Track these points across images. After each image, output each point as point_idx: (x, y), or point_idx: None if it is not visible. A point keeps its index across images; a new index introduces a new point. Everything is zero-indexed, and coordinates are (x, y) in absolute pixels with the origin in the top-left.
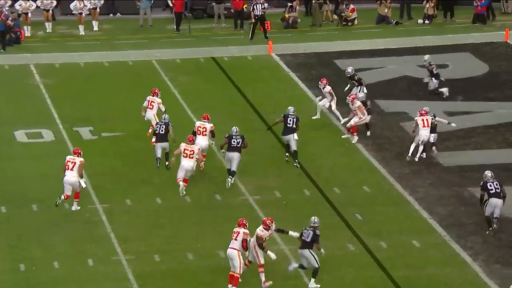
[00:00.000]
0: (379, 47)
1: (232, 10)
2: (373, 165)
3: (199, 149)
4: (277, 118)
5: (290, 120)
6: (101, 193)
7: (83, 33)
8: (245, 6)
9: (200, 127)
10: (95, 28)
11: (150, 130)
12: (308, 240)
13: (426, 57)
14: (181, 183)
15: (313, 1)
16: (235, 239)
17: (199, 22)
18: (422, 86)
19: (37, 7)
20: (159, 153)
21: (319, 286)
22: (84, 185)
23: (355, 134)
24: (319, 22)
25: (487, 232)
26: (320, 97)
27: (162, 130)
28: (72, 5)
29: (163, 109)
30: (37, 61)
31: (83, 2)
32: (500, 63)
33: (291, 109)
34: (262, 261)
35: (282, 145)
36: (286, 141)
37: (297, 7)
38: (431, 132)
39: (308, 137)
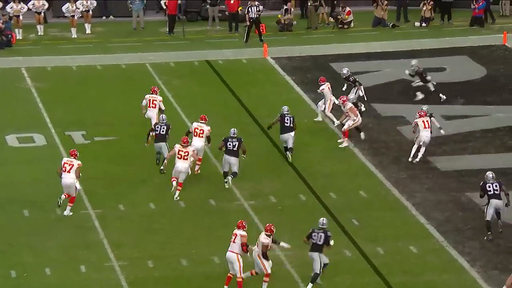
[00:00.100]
0: (375, 50)
1: (226, 13)
2: (369, 170)
3: (193, 150)
4: (274, 119)
5: (287, 119)
6: (93, 198)
7: (76, 36)
8: (240, 8)
9: (197, 129)
10: (88, 31)
11: (150, 138)
12: (320, 242)
13: (414, 61)
14: (174, 183)
15: (309, 4)
16: (234, 242)
17: (193, 25)
18: (419, 90)
19: (29, 9)
20: (157, 149)
21: None
22: (79, 187)
23: (346, 138)
24: (314, 24)
25: (485, 238)
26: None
27: (163, 130)
28: (64, 8)
29: (163, 107)
30: (29, 64)
31: (76, 5)
32: (498, 66)
33: (285, 108)
34: (269, 270)
35: (277, 149)
36: (285, 139)
37: (292, 9)
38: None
39: (304, 142)
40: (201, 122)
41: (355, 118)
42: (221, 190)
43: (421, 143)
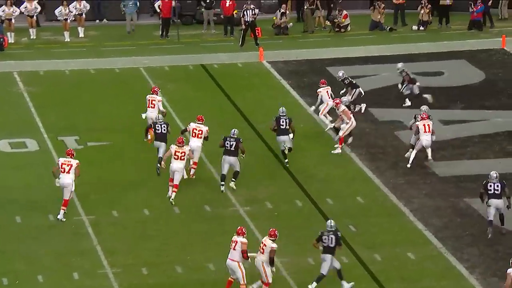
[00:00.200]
0: (372, 54)
1: (222, 16)
2: (367, 175)
3: (189, 150)
4: (271, 124)
5: (283, 122)
6: (87, 205)
7: (69, 40)
8: (235, 12)
9: (196, 129)
10: (81, 35)
11: (149, 137)
12: (332, 245)
13: (399, 65)
14: (170, 188)
15: (305, 7)
16: (234, 249)
17: (188, 29)
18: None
19: (21, 13)
20: (161, 152)
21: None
22: (73, 188)
23: (341, 145)
24: (311, 28)
25: (487, 232)
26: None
27: (164, 129)
28: (57, 11)
29: (161, 108)
30: (21, 68)
31: (68, 8)
32: (496, 70)
33: (281, 110)
34: (270, 280)
35: (273, 153)
36: (282, 141)
37: (287, 12)
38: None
39: (300, 147)
40: (198, 123)
41: (347, 121)
42: (217, 196)
43: (422, 147)
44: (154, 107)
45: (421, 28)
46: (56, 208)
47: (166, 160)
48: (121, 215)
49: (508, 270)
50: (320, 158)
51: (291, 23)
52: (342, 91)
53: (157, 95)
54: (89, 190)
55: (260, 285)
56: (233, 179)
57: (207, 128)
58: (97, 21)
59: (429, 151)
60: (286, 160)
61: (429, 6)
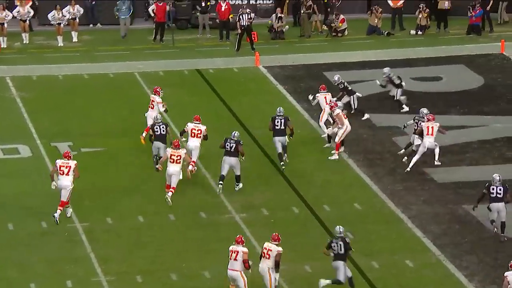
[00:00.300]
0: (370, 58)
1: (217, 21)
2: (364, 182)
3: (185, 153)
4: (269, 124)
5: (277, 122)
6: (80, 211)
7: (62, 44)
8: (231, 16)
9: (195, 129)
10: (74, 39)
11: (144, 134)
12: (342, 251)
13: (386, 69)
14: (166, 200)
15: (302, 11)
16: (235, 259)
17: (183, 33)
18: (415, 99)
19: (14, 17)
20: (156, 152)
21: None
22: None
23: (336, 152)
24: (308, 33)
25: (493, 230)
26: None
27: (163, 130)
28: (50, 15)
29: (161, 109)
30: (14, 73)
31: (62, 12)
32: (495, 75)
33: (278, 109)
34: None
35: (269, 159)
36: (277, 142)
37: (281, 15)
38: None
39: (297, 152)
40: (196, 123)
41: (340, 125)
42: (212, 202)
43: (425, 149)
44: (153, 108)
45: (419, 32)
46: (48, 216)
47: (163, 163)
48: (115, 222)
49: (506, 273)
50: (317, 164)
51: (287, 26)
52: (338, 96)
53: (158, 96)
54: (83, 196)
55: None
56: (236, 183)
57: (205, 127)
58: (91, 25)
59: (436, 152)
60: (282, 163)
61: (427, 10)
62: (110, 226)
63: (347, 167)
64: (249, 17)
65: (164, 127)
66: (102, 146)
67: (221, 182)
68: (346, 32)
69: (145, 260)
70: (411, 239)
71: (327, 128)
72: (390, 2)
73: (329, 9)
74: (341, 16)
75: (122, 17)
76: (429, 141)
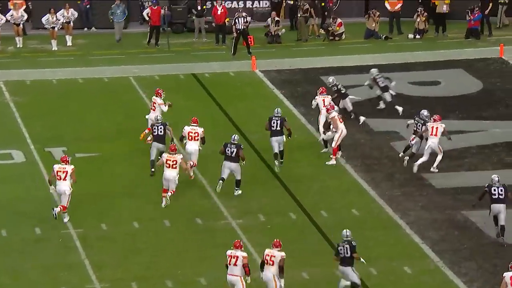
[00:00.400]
0: (368, 63)
1: (213, 24)
2: (362, 187)
3: (182, 158)
4: (266, 124)
5: (274, 123)
6: (75, 217)
7: (56, 48)
8: (227, 20)
9: (192, 132)
10: (69, 43)
11: (146, 131)
12: (348, 255)
13: (372, 70)
14: (164, 200)
15: (299, 15)
16: (235, 265)
17: (178, 37)
18: (413, 104)
19: (7, 21)
20: (153, 155)
21: None
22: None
23: (334, 157)
24: (305, 36)
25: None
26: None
27: (160, 131)
28: (44, 19)
29: (165, 109)
30: (7, 77)
31: (56, 16)
32: (494, 80)
33: (276, 110)
34: None
35: (265, 164)
36: (274, 143)
37: (278, 19)
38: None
39: (294, 157)
40: (193, 125)
41: (335, 129)
42: (208, 208)
43: (430, 151)
44: (154, 110)
45: (417, 36)
46: (42, 222)
47: (159, 168)
48: (110, 228)
49: (505, 273)
50: (314, 169)
51: (283, 30)
52: (332, 97)
53: (160, 97)
54: (77, 202)
55: None
56: (236, 188)
57: (202, 129)
58: (85, 29)
59: (438, 158)
60: (276, 162)
61: (425, 14)
62: (105, 232)
63: (345, 172)
64: (245, 21)
65: (162, 127)
66: (96, 151)
67: (221, 181)
68: (343, 36)
69: (140, 266)
70: (409, 245)
71: (323, 132)
72: (387, 6)
73: (326, 13)
74: (339, 20)
75: (117, 21)
76: (432, 141)
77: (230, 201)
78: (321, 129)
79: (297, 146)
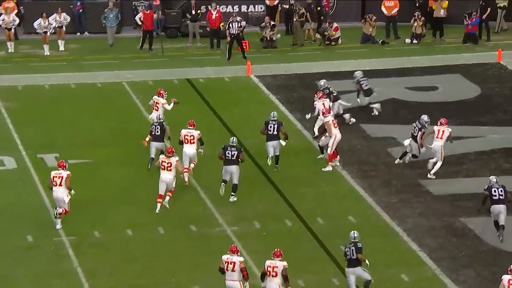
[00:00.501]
0: (364, 68)
1: (208, 29)
2: (358, 194)
3: (177, 161)
4: (262, 128)
5: (270, 127)
6: (67, 225)
7: (48, 53)
8: (221, 24)
9: (187, 135)
10: (61, 48)
11: (147, 138)
12: (354, 256)
13: (357, 73)
14: (158, 205)
15: (295, 20)
16: (233, 270)
17: (173, 42)
18: (410, 109)
19: None
20: (153, 153)
21: None
22: (67, 202)
23: (330, 163)
24: (300, 41)
25: (497, 235)
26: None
27: (157, 131)
28: (36, 23)
29: (168, 108)
30: None
31: (48, 20)
32: (492, 85)
33: (272, 114)
34: None
35: (260, 169)
36: (271, 147)
37: (274, 23)
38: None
39: (289, 163)
40: (189, 128)
41: (328, 134)
42: (203, 215)
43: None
44: (157, 110)
45: (414, 41)
46: (35, 229)
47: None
48: (103, 235)
49: (503, 276)
50: (310, 175)
51: (278, 35)
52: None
53: (163, 98)
54: (70, 209)
55: None
56: (232, 193)
57: (198, 132)
58: (78, 33)
59: (437, 166)
60: (270, 163)
61: (423, 18)
62: (98, 240)
63: (341, 178)
64: (239, 25)
65: (159, 127)
66: (89, 157)
67: (223, 183)
68: (339, 41)
69: (134, 274)
70: (406, 253)
71: (317, 136)
72: (384, 10)
73: (322, 17)
74: (335, 25)
75: (109, 25)
76: (436, 144)
77: (225, 208)
78: (316, 132)
79: (293, 152)
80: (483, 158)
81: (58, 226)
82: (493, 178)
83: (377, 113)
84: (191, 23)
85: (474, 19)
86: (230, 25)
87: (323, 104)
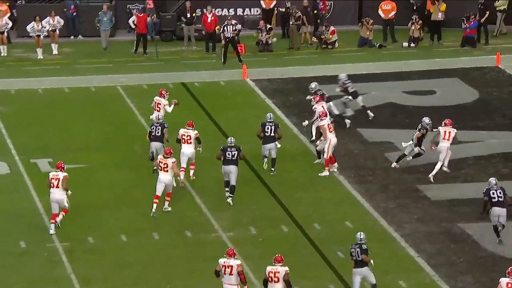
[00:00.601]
0: (361, 71)
1: (203, 32)
2: (355, 199)
3: (173, 162)
4: (259, 130)
5: (267, 128)
6: (61, 231)
7: (41, 57)
8: (217, 27)
9: (184, 135)
10: (55, 52)
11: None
12: (359, 258)
13: (341, 76)
14: (155, 205)
15: (291, 23)
16: (230, 274)
17: (167, 45)
18: (408, 113)
19: None
20: (153, 153)
21: None
22: (66, 205)
23: (326, 168)
24: (297, 45)
25: (497, 241)
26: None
27: (158, 132)
28: (29, 27)
29: (169, 110)
30: None
31: (41, 24)
32: (491, 89)
33: (268, 115)
34: None
35: (255, 174)
36: (267, 149)
37: (271, 26)
38: (418, 145)
39: (286, 168)
40: (188, 128)
41: (323, 138)
42: (198, 221)
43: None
44: (159, 111)
45: (412, 44)
46: (28, 235)
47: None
48: (97, 241)
49: (501, 279)
50: (307, 180)
51: (274, 39)
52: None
53: (164, 98)
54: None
55: None
56: (230, 195)
57: (195, 132)
58: (72, 37)
59: (436, 168)
60: (266, 167)
61: (420, 21)
62: (92, 245)
63: (338, 183)
64: (233, 29)
65: (160, 128)
66: (83, 162)
67: (227, 188)
68: (336, 44)
69: (128, 280)
70: (404, 259)
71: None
72: (381, 13)
73: (319, 21)
74: (331, 28)
75: (103, 28)
76: (442, 145)
77: (220, 213)
78: (314, 135)
79: (289, 157)
80: (482, 163)
81: (52, 231)
82: (492, 180)
83: (372, 115)
84: (186, 27)
85: (472, 23)
86: (225, 28)
87: (322, 106)
